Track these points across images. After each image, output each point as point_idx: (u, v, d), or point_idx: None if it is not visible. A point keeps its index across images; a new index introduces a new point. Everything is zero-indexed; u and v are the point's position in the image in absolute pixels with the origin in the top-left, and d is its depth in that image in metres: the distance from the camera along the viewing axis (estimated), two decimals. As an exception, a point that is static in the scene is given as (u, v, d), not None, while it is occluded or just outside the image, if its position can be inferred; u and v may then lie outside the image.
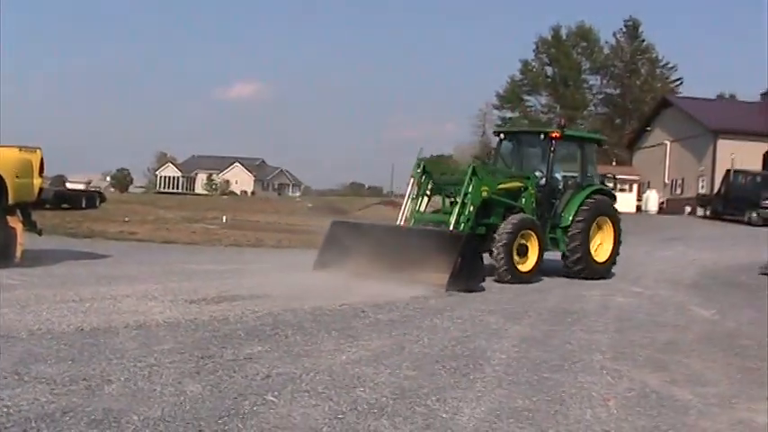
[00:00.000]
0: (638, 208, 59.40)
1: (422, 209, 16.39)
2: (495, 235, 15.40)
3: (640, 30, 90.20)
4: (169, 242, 23.67)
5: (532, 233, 15.85)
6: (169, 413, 5.88)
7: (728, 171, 44.24)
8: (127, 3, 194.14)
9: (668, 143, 56.77)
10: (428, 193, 16.50)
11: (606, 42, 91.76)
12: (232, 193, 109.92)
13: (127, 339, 8.30)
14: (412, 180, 16.39)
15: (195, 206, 53.80)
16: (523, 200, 16.50)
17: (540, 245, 15.87)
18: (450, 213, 15.51)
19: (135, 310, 10.07)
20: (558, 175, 17.71)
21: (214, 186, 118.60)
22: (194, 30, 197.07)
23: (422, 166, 16.33)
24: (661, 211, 52.86)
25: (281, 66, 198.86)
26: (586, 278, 16.61)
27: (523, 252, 15.68)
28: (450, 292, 13.24)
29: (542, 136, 17.84)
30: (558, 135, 17.20)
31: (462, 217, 15.29)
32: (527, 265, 15.74)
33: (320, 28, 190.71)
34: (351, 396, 6.61)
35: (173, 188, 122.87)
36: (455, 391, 7.04)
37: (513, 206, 16.29)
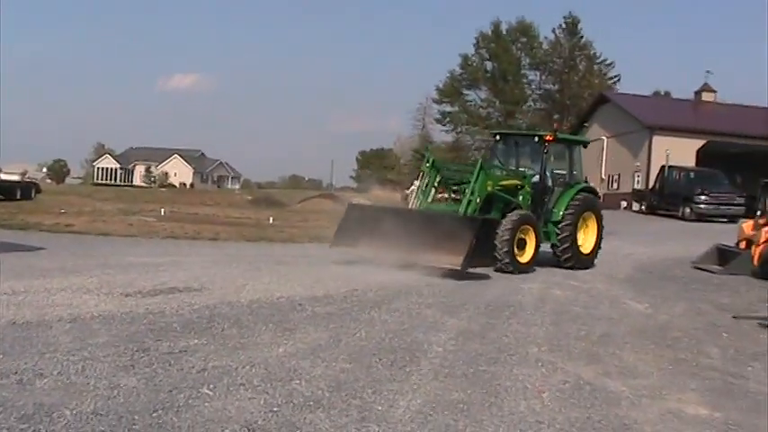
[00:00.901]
0: (576, 202, 60.08)
1: (429, 200, 17.73)
2: (497, 230, 16.36)
3: (579, 26, 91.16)
4: (106, 234, 23.35)
5: (530, 228, 17.09)
6: (102, 407, 5.83)
7: (663, 167, 44.86)
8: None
9: (605, 139, 57.35)
10: (435, 185, 17.84)
11: (545, 38, 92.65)
12: (171, 185, 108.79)
13: (60, 333, 8.20)
14: (421, 173, 18.00)
15: (133, 198, 53.15)
16: (521, 197, 17.85)
17: (536, 238, 17.19)
18: (459, 204, 16.87)
19: (69, 303, 9.95)
20: (549, 174, 18.85)
21: (152, 178, 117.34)
22: (133, 20, 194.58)
23: (431, 161, 17.80)
24: (598, 205, 53.48)
25: (221, 57, 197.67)
26: (574, 268, 17.96)
27: (522, 245, 16.92)
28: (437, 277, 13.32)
29: (536, 138, 19.09)
30: (551, 138, 18.61)
31: (470, 207, 16.54)
32: (525, 257, 16.98)
33: (261, 19, 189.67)
34: (286, 389, 6.62)
35: (110, 180, 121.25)
36: (391, 383, 7.09)
37: (510, 202, 17.53)
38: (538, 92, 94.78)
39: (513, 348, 9.11)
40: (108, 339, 8.00)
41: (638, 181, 51.57)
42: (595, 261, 19.00)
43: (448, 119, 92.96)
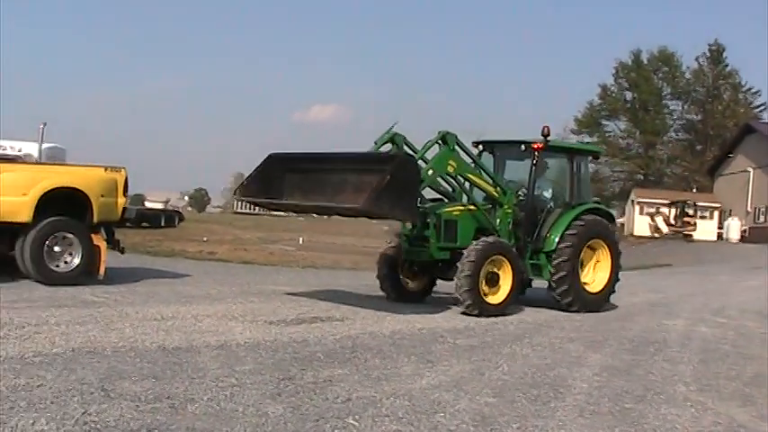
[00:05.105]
0: (720, 236, 58.29)
1: None
2: (458, 263, 13.38)
3: (724, 54, 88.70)
4: (247, 262, 23.91)
5: (504, 259, 13.74)
6: (251, 434, 5.92)
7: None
8: (206, 25, 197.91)
9: (751, 170, 55.61)
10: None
11: (688, 67, 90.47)
12: (309, 214, 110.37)
13: (208, 359, 8.39)
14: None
15: (272, 227, 54.32)
16: (498, 219, 14.52)
17: (513, 272, 13.81)
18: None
19: (216, 330, 10.21)
20: (546, 192, 15.60)
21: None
22: (275, 53, 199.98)
23: (391, 135, 13.97)
24: (743, 239, 51.74)
25: (359, 88, 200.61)
26: (571, 309, 14.69)
27: (494, 281, 13.68)
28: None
29: (523, 147, 15.16)
30: (540, 146, 14.90)
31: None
32: (497, 297, 13.71)
33: (395, 51, 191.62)
34: (431, 422, 6.57)
35: (249, 208, 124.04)
36: (536, 419, 6.95)
37: (484, 228, 14.27)
38: (679, 122, 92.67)
39: (659, 386, 8.82)
40: (254, 367, 8.14)
41: (787, 215, 49.77)
42: (608, 301, 15.74)
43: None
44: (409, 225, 14.35)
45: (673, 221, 63.49)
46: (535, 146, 14.83)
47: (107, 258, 14.59)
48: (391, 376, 8.20)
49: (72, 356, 8.03)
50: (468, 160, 14.46)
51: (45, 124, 21.62)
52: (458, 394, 7.59)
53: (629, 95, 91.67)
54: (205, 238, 35.16)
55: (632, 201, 72.55)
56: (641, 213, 67.94)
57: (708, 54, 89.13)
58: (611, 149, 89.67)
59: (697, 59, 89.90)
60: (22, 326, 9.53)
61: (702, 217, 63.34)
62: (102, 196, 14.57)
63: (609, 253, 15.40)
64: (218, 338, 9.59)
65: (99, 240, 14.53)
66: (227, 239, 36.35)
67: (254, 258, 25.55)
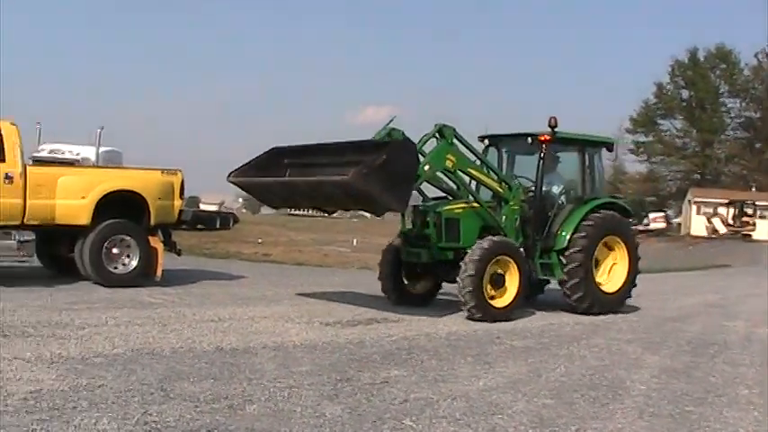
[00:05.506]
0: (780, 236, 57.38)
1: None
2: (461, 262, 12.60)
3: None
4: (301, 264, 24.01)
5: (511, 259, 12.90)
6: (310, 435, 5.94)
7: None
8: (258, 33, 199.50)
9: (812, 169, 54.57)
10: None
11: (746, 64, 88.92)
12: (362, 215, 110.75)
13: (265, 360, 8.45)
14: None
15: (325, 228, 54.52)
16: (503, 216, 13.61)
17: (520, 273, 12.99)
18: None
19: (272, 331, 10.28)
20: (556, 187, 14.76)
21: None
22: (327, 55, 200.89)
23: (388, 130, 13.23)
24: (805, 239, 50.78)
25: (412, 89, 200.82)
26: (590, 312, 13.94)
27: (500, 283, 12.89)
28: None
29: (530, 140, 14.29)
30: (547, 138, 14.03)
31: (417, 180, 12.43)
32: (504, 300, 12.90)
33: (451, 50, 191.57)
34: (489, 423, 6.53)
35: (303, 210, 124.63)
36: (595, 421, 6.87)
37: (490, 227, 13.41)
38: (737, 120, 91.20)
39: (720, 389, 8.66)
40: (311, 368, 8.17)
41: None
42: (630, 296, 14.91)
43: (642, 149, 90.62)
44: (409, 224, 13.87)
45: (731, 221, 62.63)
46: (542, 138, 14.04)
47: (164, 260, 14.76)
48: (448, 377, 8.17)
49: (131, 357, 8.14)
50: (470, 155, 13.61)
51: (102, 128, 21.91)
52: (515, 396, 7.54)
53: (685, 94, 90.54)
54: (260, 240, 35.37)
55: (689, 200, 71.68)
56: (698, 213, 67.11)
57: (767, 50, 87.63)
58: (668, 148, 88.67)
59: (756, 56, 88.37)
60: (82, 327, 9.70)
61: (762, 217, 62.40)
62: (159, 199, 14.74)
63: (626, 249, 14.64)
64: (274, 340, 9.66)
65: (156, 242, 14.71)
66: (282, 241, 36.59)
67: (308, 260, 25.69)
